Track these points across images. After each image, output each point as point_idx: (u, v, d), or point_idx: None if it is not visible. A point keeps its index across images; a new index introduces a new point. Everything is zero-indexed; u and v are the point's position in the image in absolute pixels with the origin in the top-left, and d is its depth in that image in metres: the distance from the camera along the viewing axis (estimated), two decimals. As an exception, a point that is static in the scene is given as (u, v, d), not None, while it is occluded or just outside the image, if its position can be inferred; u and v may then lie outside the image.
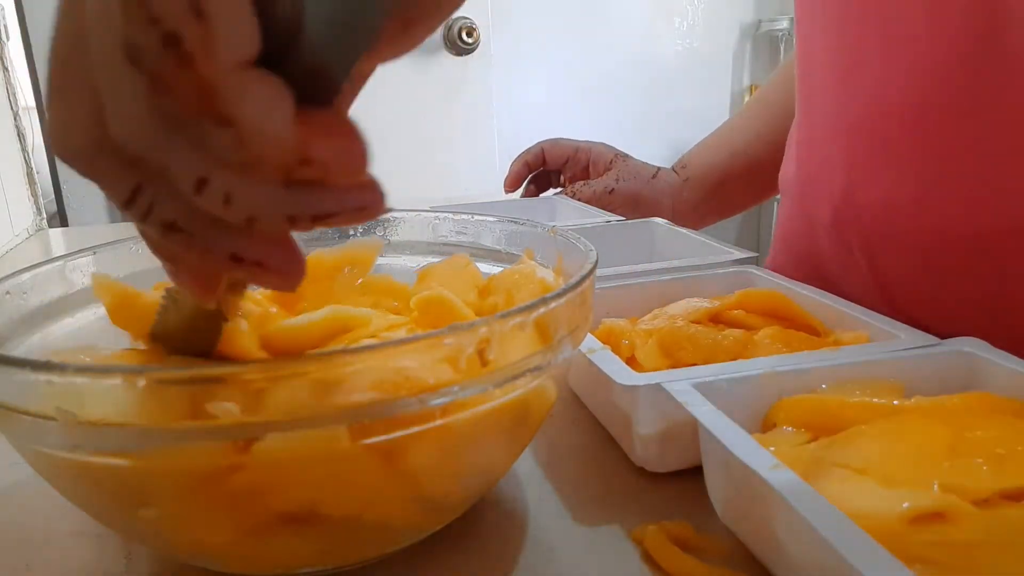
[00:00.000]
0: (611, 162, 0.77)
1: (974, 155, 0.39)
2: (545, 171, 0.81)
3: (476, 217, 0.38)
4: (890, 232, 0.44)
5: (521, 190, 0.82)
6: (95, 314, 0.33)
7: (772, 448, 0.26)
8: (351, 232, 0.40)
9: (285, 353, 0.29)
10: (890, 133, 0.43)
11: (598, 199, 0.74)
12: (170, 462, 0.21)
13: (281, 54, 0.16)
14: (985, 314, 0.41)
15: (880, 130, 0.44)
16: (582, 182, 0.76)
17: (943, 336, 0.33)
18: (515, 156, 0.81)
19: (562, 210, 0.73)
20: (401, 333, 0.30)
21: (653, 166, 0.77)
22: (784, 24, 2.03)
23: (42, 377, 0.20)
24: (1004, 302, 0.40)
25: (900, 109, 0.42)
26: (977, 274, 0.41)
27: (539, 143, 0.80)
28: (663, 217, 0.67)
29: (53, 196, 1.63)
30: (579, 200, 0.74)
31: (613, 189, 0.74)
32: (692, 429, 0.28)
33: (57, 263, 0.32)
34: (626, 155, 0.78)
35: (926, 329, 0.34)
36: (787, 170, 0.57)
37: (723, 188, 0.75)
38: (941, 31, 0.39)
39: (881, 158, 0.44)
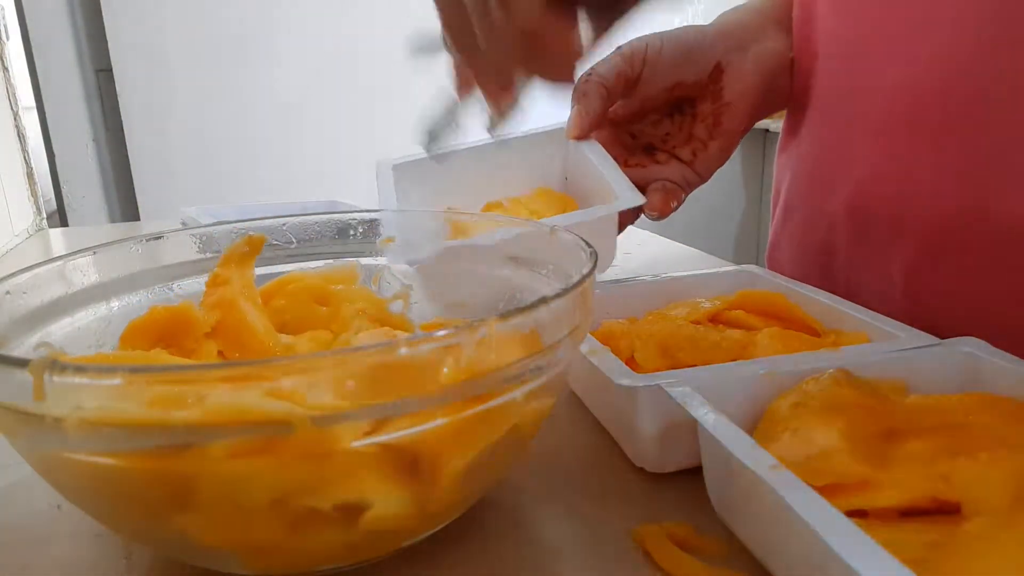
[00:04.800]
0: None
1: (993, 141, 0.39)
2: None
3: (476, 217, 0.38)
4: (908, 220, 0.43)
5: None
6: (95, 314, 0.33)
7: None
8: (351, 233, 0.40)
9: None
10: (914, 120, 0.42)
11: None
12: (167, 462, 0.21)
13: None
14: (994, 301, 0.41)
15: (897, 118, 0.43)
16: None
17: (949, 331, 0.33)
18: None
19: None
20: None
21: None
22: (784, 24, 2.02)
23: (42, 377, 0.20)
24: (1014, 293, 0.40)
25: (922, 96, 0.41)
26: (988, 263, 0.40)
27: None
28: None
29: (53, 196, 1.63)
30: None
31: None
32: (692, 429, 0.28)
33: (57, 263, 0.32)
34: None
35: (944, 319, 0.33)
36: (781, 181, 0.56)
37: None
38: (964, 18, 0.39)
39: (901, 146, 0.43)
